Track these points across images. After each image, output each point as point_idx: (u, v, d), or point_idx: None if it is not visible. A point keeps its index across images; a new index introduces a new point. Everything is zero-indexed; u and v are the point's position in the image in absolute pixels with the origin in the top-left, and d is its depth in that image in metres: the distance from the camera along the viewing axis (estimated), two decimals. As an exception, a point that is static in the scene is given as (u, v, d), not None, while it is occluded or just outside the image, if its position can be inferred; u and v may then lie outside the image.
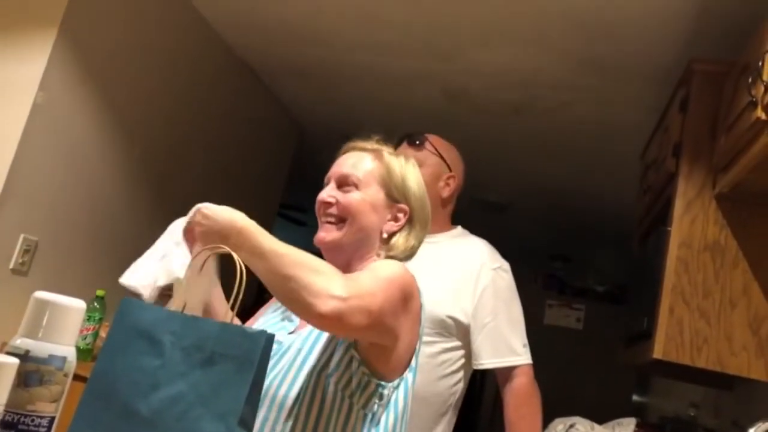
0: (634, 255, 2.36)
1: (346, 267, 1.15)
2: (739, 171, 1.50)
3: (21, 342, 0.78)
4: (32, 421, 0.78)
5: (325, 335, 1.08)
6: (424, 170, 1.79)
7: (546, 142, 3.21)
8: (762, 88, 1.32)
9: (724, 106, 1.67)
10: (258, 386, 0.96)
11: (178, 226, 1.06)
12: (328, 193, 1.19)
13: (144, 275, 1.03)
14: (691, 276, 1.66)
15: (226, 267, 1.04)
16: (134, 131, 2.45)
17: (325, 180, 1.23)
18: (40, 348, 0.78)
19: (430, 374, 1.65)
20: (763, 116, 1.31)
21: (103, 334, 2.18)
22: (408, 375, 1.12)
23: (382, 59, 2.71)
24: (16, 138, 1.98)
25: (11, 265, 2.02)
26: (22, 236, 2.04)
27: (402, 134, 1.88)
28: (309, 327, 1.11)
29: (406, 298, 1.08)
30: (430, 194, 1.79)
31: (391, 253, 1.17)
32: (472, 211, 4.34)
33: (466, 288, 1.71)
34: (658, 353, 1.63)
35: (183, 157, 2.74)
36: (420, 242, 1.21)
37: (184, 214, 1.04)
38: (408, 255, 1.19)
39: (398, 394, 1.10)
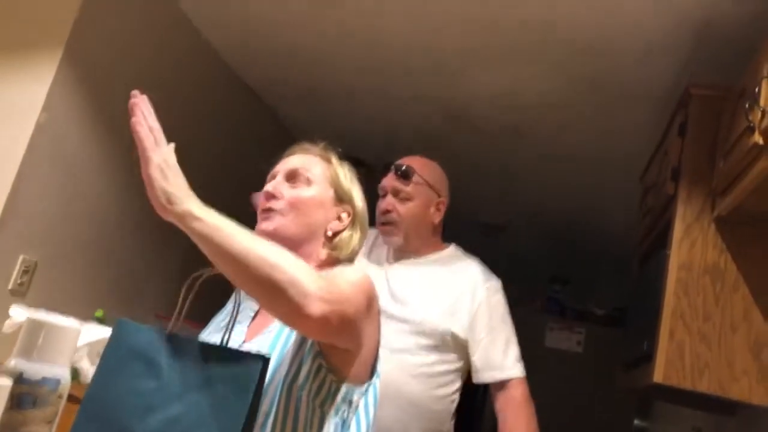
0: (633, 278, 2.36)
1: None
2: (737, 195, 1.50)
3: (15, 363, 0.78)
4: (25, 444, 0.77)
5: (290, 346, 1.06)
6: (414, 203, 1.83)
7: (546, 163, 3.22)
8: (759, 114, 1.32)
9: (722, 130, 1.68)
10: (255, 408, 0.96)
11: None
12: (274, 186, 1.17)
13: None
14: (691, 299, 1.65)
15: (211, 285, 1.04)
16: (136, 154, 2.45)
17: (269, 176, 1.21)
18: (33, 369, 0.77)
19: (428, 383, 1.72)
20: (761, 141, 1.31)
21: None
22: (375, 381, 1.13)
23: (384, 81, 2.73)
24: (18, 158, 1.99)
25: (10, 286, 2.02)
26: (21, 257, 2.04)
27: (387, 162, 1.89)
28: (264, 337, 1.09)
29: (370, 303, 1.07)
30: (422, 223, 1.84)
31: (335, 253, 1.16)
32: (472, 232, 4.34)
33: (462, 305, 1.76)
34: (658, 377, 1.62)
35: (186, 178, 2.75)
36: (360, 247, 1.21)
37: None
38: (350, 257, 1.19)
39: (367, 399, 1.10)
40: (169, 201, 0.91)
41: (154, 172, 0.93)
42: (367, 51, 2.51)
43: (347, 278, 1.05)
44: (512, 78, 2.49)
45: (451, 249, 1.91)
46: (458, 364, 1.77)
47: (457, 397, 1.78)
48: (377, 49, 2.48)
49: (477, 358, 1.76)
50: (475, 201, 3.93)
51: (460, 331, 1.74)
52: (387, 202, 1.83)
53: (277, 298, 0.91)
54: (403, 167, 1.85)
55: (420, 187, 1.84)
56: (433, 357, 1.72)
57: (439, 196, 1.87)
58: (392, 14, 2.24)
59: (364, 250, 1.80)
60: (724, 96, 1.71)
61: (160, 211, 0.92)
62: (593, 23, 2.05)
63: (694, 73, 2.06)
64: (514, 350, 1.80)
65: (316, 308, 0.91)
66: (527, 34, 2.18)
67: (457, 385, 1.78)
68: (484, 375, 1.77)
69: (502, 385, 1.76)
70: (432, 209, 1.85)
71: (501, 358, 1.77)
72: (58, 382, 0.78)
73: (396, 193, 1.83)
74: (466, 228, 4.35)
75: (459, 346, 1.75)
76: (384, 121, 3.12)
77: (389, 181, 1.85)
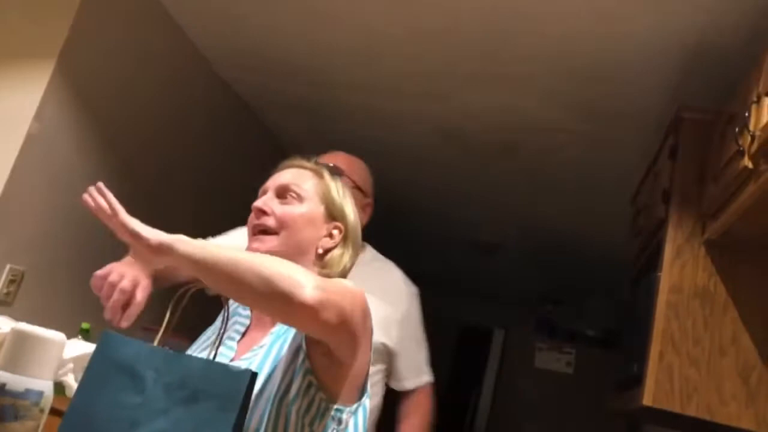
0: (625, 299, 2.36)
1: None
2: (727, 218, 1.51)
3: (-2, 375, 0.77)
4: (5, 458, 0.76)
5: (281, 363, 1.05)
6: None
7: (538, 184, 3.23)
8: (749, 138, 1.34)
9: (712, 154, 1.70)
10: (240, 425, 0.95)
11: None
12: (265, 202, 1.16)
13: None
14: (681, 322, 1.65)
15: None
16: (127, 165, 2.45)
17: (260, 191, 1.20)
18: (16, 382, 0.76)
19: None
20: (750, 165, 1.33)
21: (86, 368, 2.14)
22: (365, 401, 1.10)
23: (377, 98, 2.74)
24: (8, 168, 1.98)
25: (-4, 296, 2.00)
26: (8, 266, 2.02)
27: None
28: (254, 353, 1.08)
29: (365, 316, 1.05)
30: None
31: (326, 270, 1.14)
32: (464, 250, 4.34)
33: (392, 314, 1.79)
34: (647, 400, 1.62)
35: (176, 192, 2.74)
36: (352, 265, 1.20)
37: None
38: (342, 274, 1.17)
39: (357, 419, 1.08)
40: (154, 233, 0.94)
41: (130, 221, 0.96)
42: (362, 68, 2.53)
43: (344, 284, 1.05)
44: (506, 100, 2.51)
45: (369, 250, 1.90)
46: (384, 373, 1.81)
47: (381, 405, 1.83)
48: (372, 66, 2.50)
49: (404, 366, 1.81)
50: (468, 220, 3.94)
51: (391, 342, 1.78)
52: None
53: (270, 293, 0.91)
54: (330, 168, 1.80)
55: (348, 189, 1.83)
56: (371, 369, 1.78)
57: (366, 196, 1.84)
58: (388, 32, 2.25)
59: None
60: (715, 120, 1.73)
61: (148, 245, 0.93)
62: (585, 48, 2.07)
63: (685, 97, 2.08)
64: (427, 354, 1.88)
65: (310, 294, 0.90)
66: (520, 55, 2.20)
67: (382, 393, 1.82)
68: (409, 382, 1.83)
69: (416, 388, 1.84)
70: (359, 212, 1.84)
71: (423, 364, 1.85)
72: (41, 394, 0.77)
73: None
74: (458, 247, 4.36)
75: (387, 356, 1.80)
76: (377, 138, 3.13)
77: None
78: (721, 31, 1.83)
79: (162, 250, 0.93)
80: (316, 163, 1.25)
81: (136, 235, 0.94)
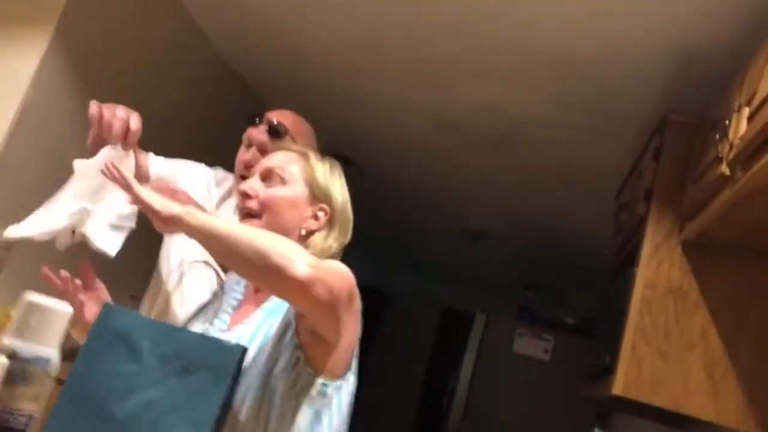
0: (604, 291, 2.43)
1: None
2: (703, 221, 1.57)
3: (9, 342, 0.81)
4: (13, 418, 0.80)
5: (270, 337, 1.09)
6: None
7: (528, 176, 3.28)
8: (728, 146, 1.39)
9: (693, 157, 1.75)
10: (230, 398, 1.00)
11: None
12: (250, 185, 1.20)
13: (37, 224, 1.11)
14: (653, 317, 1.72)
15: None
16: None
17: (236, 171, 1.26)
18: (26, 349, 0.80)
19: None
20: (727, 172, 1.38)
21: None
22: (350, 377, 1.14)
23: (373, 86, 2.76)
24: (3, 135, 1.98)
25: (-12, 262, 2.02)
26: (2, 233, 2.04)
27: (256, 113, 1.77)
28: (245, 327, 1.13)
29: (351, 296, 1.08)
30: None
31: (309, 251, 1.12)
32: (451, 236, 4.40)
33: None
34: (617, 389, 1.69)
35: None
36: (340, 246, 1.22)
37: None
38: (328, 255, 1.17)
39: (341, 395, 1.11)
40: (165, 206, 1.03)
41: (143, 194, 1.05)
42: (363, 55, 2.54)
43: (335, 264, 1.09)
44: (500, 92, 2.54)
45: None
46: None
47: None
48: (371, 53, 2.51)
49: None
50: (457, 207, 3.98)
51: None
52: (254, 157, 1.65)
53: (264, 266, 0.97)
54: (276, 123, 1.71)
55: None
56: None
57: None
58: (390, 21, 2.27)
59: (215, 192, 1.75)
60: (699, 124, 1.78)
61: (160, 217, 1.03)
62: (580, 48, 2.10)
63: (675, 100, 2.13)
64: None
65: (301, 269, 0.95)
66: (516, 51, 2.23)
67: None
68: None
69: None
70: None
71: None
72: (48, 361, 0.81)
73: (264, 151, 1.67)
74: (446, 232, 4.41)
75: None
76: (374, 124, 3.15)
77: (259, 135, 1.71)
78: (713, 36, 1.87)
79: (172, 221, 1.02)
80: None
81: (149, 208, 1.02)
